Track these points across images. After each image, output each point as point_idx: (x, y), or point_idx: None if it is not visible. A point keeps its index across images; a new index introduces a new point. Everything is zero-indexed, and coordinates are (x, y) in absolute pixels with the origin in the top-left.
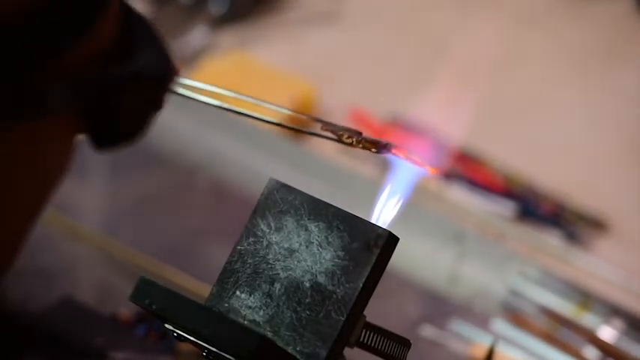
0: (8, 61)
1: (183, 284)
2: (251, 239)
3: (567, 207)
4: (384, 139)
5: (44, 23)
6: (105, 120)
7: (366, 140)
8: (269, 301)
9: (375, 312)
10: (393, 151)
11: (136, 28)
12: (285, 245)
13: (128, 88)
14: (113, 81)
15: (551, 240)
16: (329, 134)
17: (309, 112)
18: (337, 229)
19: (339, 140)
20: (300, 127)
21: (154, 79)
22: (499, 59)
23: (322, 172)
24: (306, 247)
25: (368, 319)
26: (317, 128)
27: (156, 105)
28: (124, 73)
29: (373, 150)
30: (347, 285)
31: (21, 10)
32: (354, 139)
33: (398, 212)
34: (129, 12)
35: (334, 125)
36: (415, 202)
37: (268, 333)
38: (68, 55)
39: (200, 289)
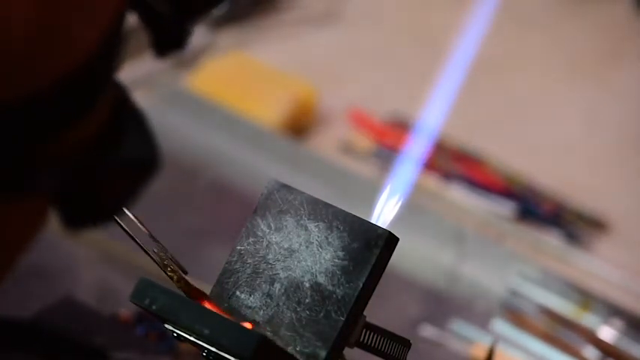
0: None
1: None
2: (251, 239)
3: (567, 207)
4: (195, 292)
5: (37, 110)
6: (80, 201)
7: (186, 283)
8: (269, 301)
9: (375, 312)
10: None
11: (124, 113)
12: (285, 245)
13: (110, 174)
14: (96, 167)
15: (551, 240)
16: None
17: (309, 113)
18: (337, 229)
19: (163, 269)
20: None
21: (137, 167)
22: (499, 59)
23: (322, 172)
24: (306, 247)
25: (368, 319)
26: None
27: (134, 191)
28: (108, 161)
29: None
30: (347, 285)
31: (19, 97)
32: (175, 275)
33: (398, 212)
34: (119, 97)
35: (167, 252)
36: (415, 202)
37: (268, 333)
38: (57, 141)
39: (200, 289)
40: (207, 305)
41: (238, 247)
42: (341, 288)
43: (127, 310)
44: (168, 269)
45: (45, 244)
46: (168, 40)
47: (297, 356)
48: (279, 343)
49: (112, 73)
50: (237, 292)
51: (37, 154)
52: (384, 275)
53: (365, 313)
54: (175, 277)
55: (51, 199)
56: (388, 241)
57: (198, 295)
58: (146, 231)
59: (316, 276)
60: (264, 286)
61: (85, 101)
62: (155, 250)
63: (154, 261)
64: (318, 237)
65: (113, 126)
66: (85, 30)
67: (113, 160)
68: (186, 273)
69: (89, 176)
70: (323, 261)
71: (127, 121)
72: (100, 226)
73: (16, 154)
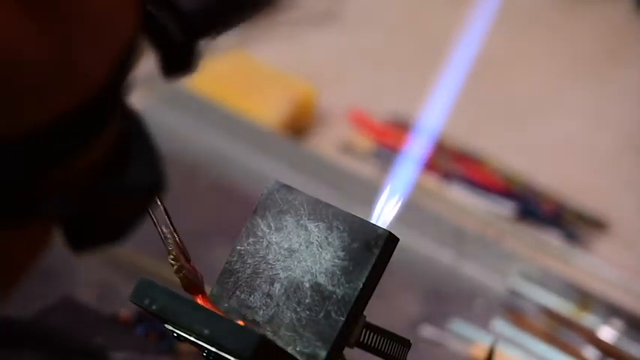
0: (11, 171)
1: None
2: (251, 239)
3: (567, 207)
4: (199, 283)
5: (44, 141)
6: (85, 225)
7: (185, 275)
8: (269, 301)
9: (375, 312)
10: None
11: (131, 137)
12: (285, 245)
13: (115, 200)
14: (103, 193)
15: (551, 240)
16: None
17: (309, 113)
18: (337, 229)
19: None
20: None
21: (143, 193)
22: (499, 59)
23: (322, 172)
24: (306, 247)
25: (368, 319)
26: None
27: (140, 215)
28: (115, 187)
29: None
30: (347, 285)
31: (28, 130)
32: (177, 264)
33: (398, 212)
34: (127, 120)
35: (175, 236)
36: (415, 202)
37: (268, 333)
38: (62, 169)
39: (197, 283)
40: (201, 301)
41: (238, 247)
42: (341, 288)
43: (127, 310)
44: (171, 256)
45: None
46: (178, 63)
47: (297, 356)
48: (279, 343)
49: (121, 102)
50: (237, 292)
51: (41, 181)
52: (384, 275)
53: (365, 313)
54: (176, 267)
55: (55, 222)
56: (388, 241)
57: (194, 290)
58: (163, 209)
59: (316, 276)
60: (264, 286)
61: (93, 130)
62: (164, 230)
63: (162, 242)
64: (318, 237)
65: (119, 152)
66: (96, 63)
67: (119, 187)
68: (189, 261)
69: (94, 202)
70: (323, 261)
71: (133, 146)
72: (105, 247)
73: (20, 183)
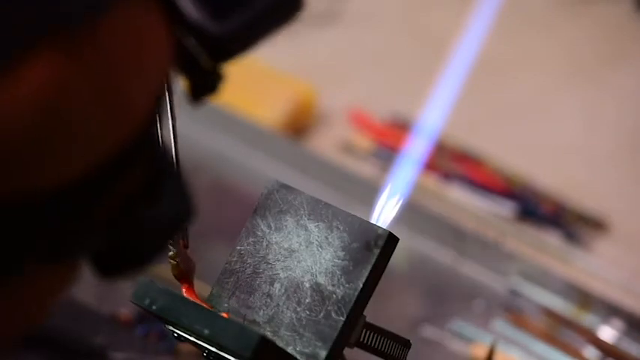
0: (49, 217)
1: None
2: (251, 239)
3: (567, 207)
4: (190, 273)
5: (95, 179)
6: (113, 255)
7: (177, 263)
8: (269, 301)
9: (375, 312)
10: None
11: (161, 169)
12: (285, 245)
13: (145, 232)
14: (135, 226)
15: (551, 240)
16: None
17: (309, 113)
18: (337, 229)
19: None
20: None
21: (172, 225)
22: (499, 59)
23: (322, 172)
24: (306, 247)
25: (368, 319)
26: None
27: (168, 243)
28: (146, 220)
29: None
30: (347, 285)
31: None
32: (173, 249)
33: (398, 212)
34: (157, 153)
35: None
36: (415, 202)
37: (268, 333)
38: (100, 207)
39: (200, 289)
40: (187, 292)
41: (238, 247)
42: (341, 288)
43: (127, 310)
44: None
45: None
46: (205, 87)
47: (297, 356)
48: (279, 343)
49: (157, 136)
50: (237, 292)
51: (82, 219)
52: (384, 275)
53: (365, 313)
54: (172, 252)
55: (84, 256)
56: (388, 241)
57: (183, 279)
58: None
59: (316, 276)
60: (264, 286)
61: (132, 166)
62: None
63: None
64: (318, 237)
65: (151, 184)
66: (140, 98)
67: (150, 220)
68: (187, 247)
69: (124, 235)
70: (323, 261)
71: (164, 177)
72: (133, 275)
73: (61, 224)
